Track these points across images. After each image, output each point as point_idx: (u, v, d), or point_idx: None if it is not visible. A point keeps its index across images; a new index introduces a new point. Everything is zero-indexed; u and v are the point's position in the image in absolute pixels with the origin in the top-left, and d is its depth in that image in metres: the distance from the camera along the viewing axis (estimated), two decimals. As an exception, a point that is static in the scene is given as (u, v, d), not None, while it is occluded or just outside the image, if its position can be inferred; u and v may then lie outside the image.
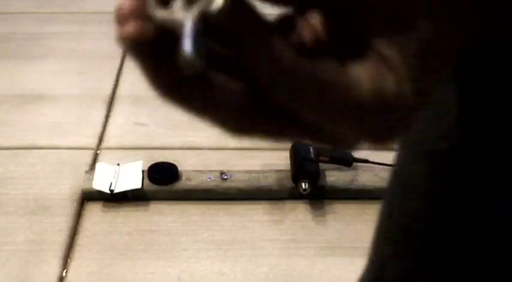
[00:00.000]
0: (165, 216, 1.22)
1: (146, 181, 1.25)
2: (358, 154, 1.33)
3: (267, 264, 1.13)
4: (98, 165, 1.30)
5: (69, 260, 1.12)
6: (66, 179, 1.29)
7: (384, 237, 0.53)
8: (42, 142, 1.42)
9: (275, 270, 1.11)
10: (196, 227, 1.20)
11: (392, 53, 0.26)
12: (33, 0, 2.13)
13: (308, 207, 1.25)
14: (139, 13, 0.26)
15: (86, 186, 1.24)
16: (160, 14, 0.26)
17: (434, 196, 0.45)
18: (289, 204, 1.25)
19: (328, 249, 1.16)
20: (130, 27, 0.26)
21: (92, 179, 1.24)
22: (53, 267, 1.10)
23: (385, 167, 1.33)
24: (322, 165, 1.28)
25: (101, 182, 1.24)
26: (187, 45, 0.24)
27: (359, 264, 1.23)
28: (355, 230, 1.21)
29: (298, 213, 1.24)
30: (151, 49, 0.26)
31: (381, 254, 0.54)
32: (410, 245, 0.48)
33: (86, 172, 1.29)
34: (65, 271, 1.10)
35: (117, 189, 1.22)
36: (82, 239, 1.17)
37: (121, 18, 0.26)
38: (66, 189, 1.26)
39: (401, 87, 0.26)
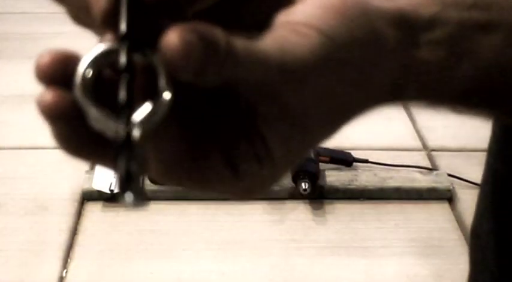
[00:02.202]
0: (165, 216, 1.22)
1: (146, 181, 1.25)
2: (358, 154, 1.34)
3: (267, 264, 1.12)
4: (97, 165, 1.30)
5: (69, 260, 1.12)
6: (66, 179, 1.29)
7: None
8: (42, 142, 1.42)
9: (275, 270, 1.11)
10: (196, 227, 1.20)
11: None
12: (33, 0, 2.13)
13: (308, 207, 1.25)
14: (60, 78, 0.24)
15: (86, 186, 1.24)
16: (94, 114, 0.24)
17: None
18: (289, 204, 1.25)
19: (328, 249, 1.16)
20: (48, 96, 0.25)
21: (92, 179, 1.24)
22: (53, 267, 1.10)
23: (385, 167, 1.33)
24: (322, 165, 1.28)
25: (101, 182, 1.24)
26: (129, 197, 0.23)
27: (359, 264, 1.24)
28: (355, 230, 1.21)
29: (298, 213, 1.24)
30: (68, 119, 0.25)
31: None
32: None
33: (86, 172, 1.29)
34: (65, 271, 1.10)
35: (117, 189, 1.22)
36: (82, 239, 1.17)
37: (41, 76, 0.25)
38: (66, 189, 1.26)
39: None
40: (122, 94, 0.24)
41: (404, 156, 1.38)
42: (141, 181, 0.23)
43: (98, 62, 0.25)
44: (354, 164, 1.33)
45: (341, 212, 1.25)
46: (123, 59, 0.24)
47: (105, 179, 1.25)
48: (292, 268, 1.12)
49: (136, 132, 0.23)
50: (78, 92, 0.24)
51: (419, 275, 1.11)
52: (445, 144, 1.44)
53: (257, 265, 1.12)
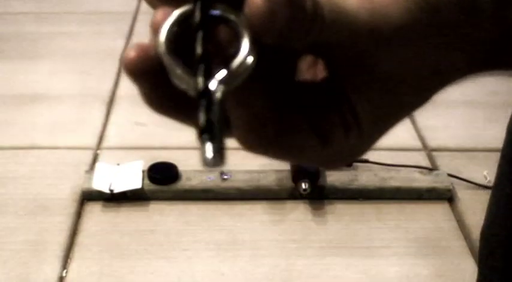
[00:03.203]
0: (165, 216, 1.22)
1: (146, 181, 1.25)
2: (358, 154, 1.33)
3: (267, 264, 1.12)
4: (97, 165, 1.30)
5: (69, 260, 1.12)
6: (66, 179, 1.29)
7: None
8: (42, 142, 1.42)
9: (275, 270, 1.11)
10: (196, 227, 1.20)
11: None
12: (33, 0, 2.13)
13: (308, 207, 1.25)
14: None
15: (85, 186, 1.24)
16: (177, 71, 0.24)
17: None
18: (289, 204, 1.25)
19: (328, 249, 1.16)
20: (132, 53, 0.24)
21: (92, 179, 1.24)
22: (53, 267, 1.10)
23: (385, 167, 1.33)
24: (322, 165, 1.28)
25: (101, 182, 1.24)
26: (208, 151, 0.22)
27: (359, 264, 1.24)
28: (355, 230, 1.21)
29: (298, 213, 1.24)
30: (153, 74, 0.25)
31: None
32: None
33: (86, 172, 1.29)
34: (65, 271, 1.10)
35: (117, 189, 1.22)
36: (82, 239, 1.17)
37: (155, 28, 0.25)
38: (66, 189, 1.26)
39: None
40: (198, 50, 0.24)
41: (404, 156, 1.38)
42: (222, 139, 0.23)
43: (180, 22, 0.25)
44: (354, 164, 1.33)
45: (341, 212, 1.25)
46: (197, 16, 0.24)
47: (105, 179, 1.25)
48: (292, 268, 1.12)
49: (215, 86, 0.23)
50: (161, 49, 0.24)
51: (419, 275, 1.11)
52: (445, 144, 1.45)
53: (257, 265, 1.12)
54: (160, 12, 0.24)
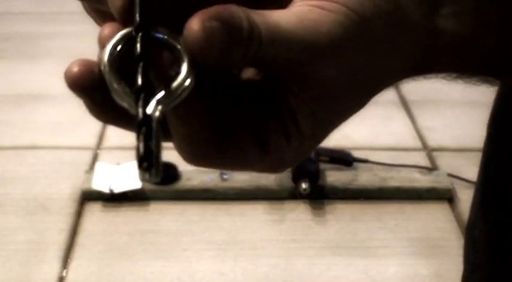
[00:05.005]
0: (165, 216, 1.22)
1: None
2: (358, 154, 1.34)
3: (267, 264, 1.12)
4: (97, 165, 1.30)
5: (69, 260, 1.12)
6: (66, 179, 1.29)
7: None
8: (42, 142, 1.42)
9: (275, 270, 1.11)
10: (196, 227, 1.20)
11: None
12: (33, 0, 2.13)
13: (308, 207, 1.25)
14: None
15: (85, 186, 1.24)
16: (118, 89, 0.25)
17: None
18: (289, 204, 1.25)
19: (328, 249, 1.16)
20: (74, 68, 0.26)
21: (92, 179, 1.24)
22: (53, 267, 1.10)
23: (385, 167, 1.33)
24: (322, 165, 1.28)
25: (101, 182, 1.24)
26: (145, 175, 0.23)
27: (359, 264, 1.24)
28: (355, 230, 1.21)
29: (298, 213, 1.24)
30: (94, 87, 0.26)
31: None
32: None
33: (86, 172, 1.29)
34: (65, 271, 1.10)
35: (117, 189, 1.22)
36: (82, 239, 1.17)
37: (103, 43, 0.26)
38: (66, 189, 1.26)
39: None
40: (139, 80, 0.25)
41: (404, 156, 1.38)
42: (159, 158, 0.24)
43: (124, 42, 0.26)
44: (354, 164, 1.33)
45: (341, 212, 1.25)
46: (138, 48, 0.25)
47: (105, 178, 1.25)
48: (292, 268, 1.12)
49: (153, 113, 0.24)
50: (104, 67, 0.25)
51: (419, 275, 1.11)
52: (445, 144, 1.45)
53: (257, 265, 1.12)
54: (107, 29, 0.26)
